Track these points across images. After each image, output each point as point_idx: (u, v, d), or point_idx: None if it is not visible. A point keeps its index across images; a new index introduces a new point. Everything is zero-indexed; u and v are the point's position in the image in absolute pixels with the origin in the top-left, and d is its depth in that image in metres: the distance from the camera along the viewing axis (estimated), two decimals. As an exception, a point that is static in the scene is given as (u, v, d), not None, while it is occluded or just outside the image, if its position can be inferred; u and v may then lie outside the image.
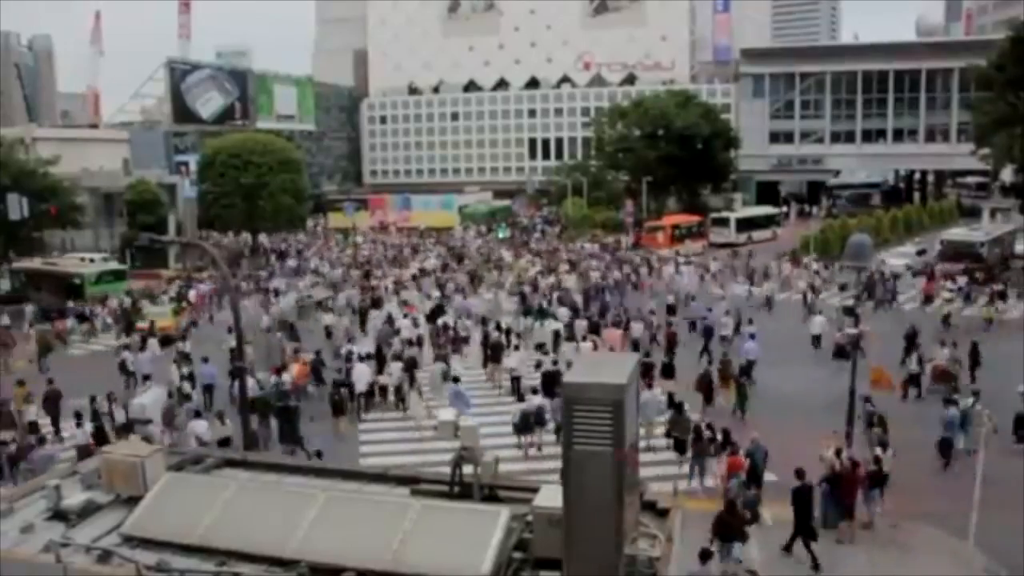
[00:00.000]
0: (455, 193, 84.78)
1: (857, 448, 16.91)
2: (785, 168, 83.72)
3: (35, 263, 44.54)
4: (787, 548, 14.25)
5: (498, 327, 29.65)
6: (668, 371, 23.47)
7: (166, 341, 30.69)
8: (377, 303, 36.26)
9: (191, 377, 24.29)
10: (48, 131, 69.12)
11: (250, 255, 59.20)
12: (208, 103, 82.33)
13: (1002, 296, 36.25)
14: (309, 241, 68.86)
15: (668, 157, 65.94)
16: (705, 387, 22.69)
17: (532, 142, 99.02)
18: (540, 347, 26.39)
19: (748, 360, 25.18)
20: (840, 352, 25.34)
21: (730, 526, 13.25)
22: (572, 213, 68.91)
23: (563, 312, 31.90)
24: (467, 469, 8.14)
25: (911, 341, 26.39)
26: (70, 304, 38.11)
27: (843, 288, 38.78)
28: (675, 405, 20.21)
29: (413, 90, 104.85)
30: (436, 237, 66.56)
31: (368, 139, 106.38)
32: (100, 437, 18.63)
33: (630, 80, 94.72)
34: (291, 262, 55.23)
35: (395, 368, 24.17)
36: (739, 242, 57.93)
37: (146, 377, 25.82)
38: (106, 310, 37.84)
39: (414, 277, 44.06)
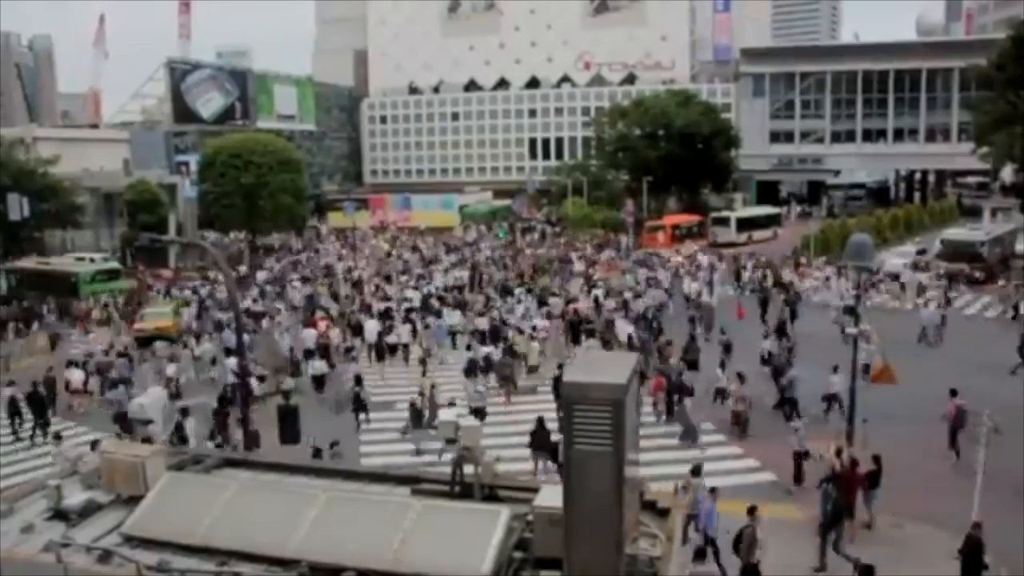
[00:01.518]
0: (455, 193, 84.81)
1: (857, 447, 16.94)
2: (785, 168, 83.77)
3: (30, 262, 44.52)
4: None
5: (441, 299, 36.21)
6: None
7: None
8: (358, 330, 31.45)
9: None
10: (48, 131, 69.21)
11: (249, 256, 59.20)
12: (208, 103, 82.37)
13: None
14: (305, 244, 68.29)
15: (668, 157, 65.94)
16: None
17: (532, 142, 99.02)
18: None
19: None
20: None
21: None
22: (572, 213, 68.90)
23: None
24: (468, 469, 8.16)
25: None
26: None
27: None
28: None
29: (413, 90, 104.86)
30: (436, 237, 66.37)
31: (368, 139, 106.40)
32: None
33: (630, 80, 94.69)
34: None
35: (404, 330, 30.34)
36: (740, 241, 57.97)
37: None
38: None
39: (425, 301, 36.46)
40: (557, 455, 17.74)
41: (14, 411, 22.96)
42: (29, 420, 22.98)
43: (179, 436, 19.85)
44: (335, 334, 30.06)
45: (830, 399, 21.57)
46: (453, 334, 31.30)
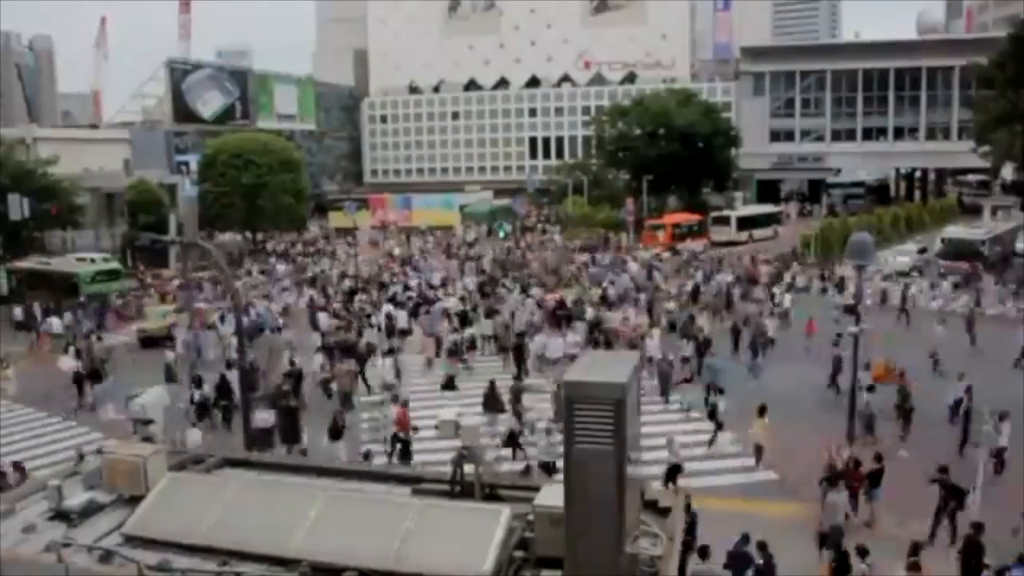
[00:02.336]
0: (456, 192, 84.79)
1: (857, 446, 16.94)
2: (786, 166, 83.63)
3: (29, 263, 44.44)
4: None
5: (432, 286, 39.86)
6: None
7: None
8: (350, 350, 28.28)
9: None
10: (49, 131, 69.06)
11: (250, 255, 59.18)
12: (209, 103, 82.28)
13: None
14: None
15: (669, 155, 65.88)
16: None
17: (533, 141, 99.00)
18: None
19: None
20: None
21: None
22: (573, 212, 68.87)
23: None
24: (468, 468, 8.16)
25: None
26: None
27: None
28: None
29: (413, 89, 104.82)
30: (437, 237, 66.16)
31: (369, 139, 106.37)
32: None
33: (630, 79, 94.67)
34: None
35: (401, 315, 32.83)
36: (740, 240, 57.95)
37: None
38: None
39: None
40: (503, 409, 21.22)
41: (79, 380, 25.88)
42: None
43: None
44: (319, 359, 26.24)
45: (999, 454, 17.84)
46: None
